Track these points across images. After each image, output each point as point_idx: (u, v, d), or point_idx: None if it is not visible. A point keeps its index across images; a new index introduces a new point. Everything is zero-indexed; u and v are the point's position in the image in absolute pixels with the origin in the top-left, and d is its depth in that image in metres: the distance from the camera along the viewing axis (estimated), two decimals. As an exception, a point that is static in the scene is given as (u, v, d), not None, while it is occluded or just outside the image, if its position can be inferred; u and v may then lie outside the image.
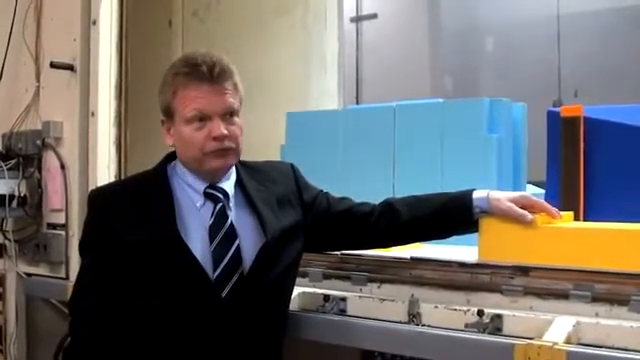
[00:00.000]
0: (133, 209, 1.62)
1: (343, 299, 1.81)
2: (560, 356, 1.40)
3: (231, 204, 1.66)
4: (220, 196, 1.64)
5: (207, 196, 1.64)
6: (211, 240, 1.59)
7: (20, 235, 2.62)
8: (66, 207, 2.48)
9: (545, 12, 4.86)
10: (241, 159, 1.71)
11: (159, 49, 3.12)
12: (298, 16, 3.34)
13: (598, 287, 1.53)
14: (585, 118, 1.93)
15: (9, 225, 2.63)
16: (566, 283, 1.56)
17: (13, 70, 2.67)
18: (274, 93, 3.12)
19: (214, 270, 1.57)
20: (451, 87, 5.31)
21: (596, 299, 1.53)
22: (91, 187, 2.28)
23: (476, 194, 1.66)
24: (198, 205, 1.63)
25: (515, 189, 2.12)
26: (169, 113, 1.62)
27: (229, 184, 1.68)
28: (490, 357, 1.53)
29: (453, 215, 1.68)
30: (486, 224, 1.66)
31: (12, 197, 2.52)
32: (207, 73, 1.57)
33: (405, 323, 1.70)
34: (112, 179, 2.41)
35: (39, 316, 2.65)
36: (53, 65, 2.48)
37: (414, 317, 1.70)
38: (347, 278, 1.87)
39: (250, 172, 1.74)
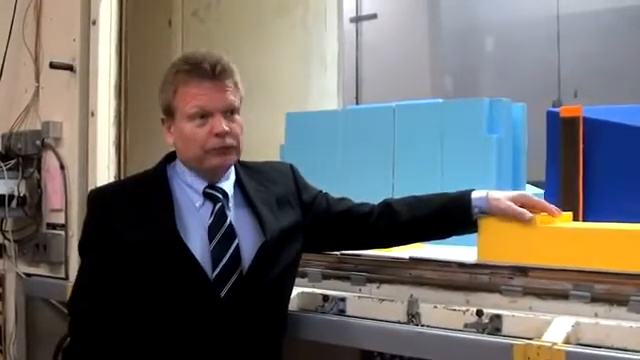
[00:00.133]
0: (133, 209, 1.62)
1: (342, 299, 1.81)
2: (559, 356, 1.40)
3: (230, 204, 1.66)
4: (219, 196, 1.65)
5: (206, 196, 1.64)
6: (210, 240, 1.59)
7: (20, 235, 2.62)
8: (66, 207, 2.48)
9: (545, 12, 4.85)
10: (240, 159, 1.71)
11: (159, 49, 3.11)
12: (298, 16, 3.34)
13: (597, 287, 1.53)
14: (584, 118, 1.93)
15: (9, 225, 2.63)
16: (565, 283, 1.56)
17: (13, 70, 2.67)
18: (274, 93, 3.12)
19: (213, 270, 1.58)
20: (451, 87, 5.31)
21: (595, 299, 1.53)
22: (91, 187, 2.29)
23: (475, 194, 1.67)
24: (197, 205, 1.64)
25: (515, 189, 2.12)
26: (170, 111, 1.62)
27: (228, 184, 1.68)
28: (489, 357, 1.53)
29: (452, 215, 1.68)
30: (485, 224, 1.66)
31: (12, 197, 2.52)
32: (209, 70, 1.58)
33: (404, 323, 1.70)
34: (112, 179, 2.41)
35: (39, 316, 2.65)
36: (53, 65, 2.48)
37: (413, 317, 1.70)
38: (346, 278, 1.87)
39: (249, 172, 1.74)
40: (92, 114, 2.44)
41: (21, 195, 2.54)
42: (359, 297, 1.81)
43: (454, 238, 1.75)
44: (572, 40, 4.71)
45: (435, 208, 1.70)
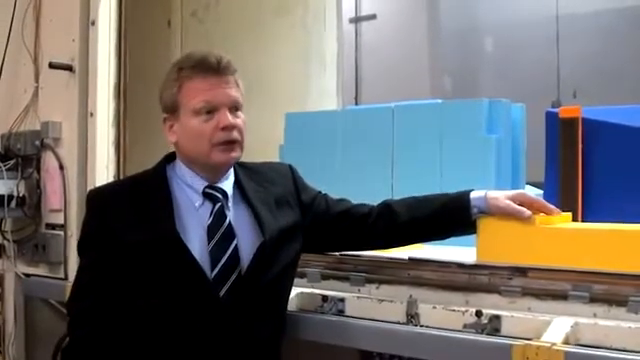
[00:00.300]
0: (132, 209, 1.62)
1: (341, 300, 1.81)
2: (558, 357, 1.40)
3: (229, 204, 1.66)
4: (219, 196, 1.65)
5: (206, 196, 1.64)
6: (209, 240, 1.60)
7: (19, 235, 2.62)
8: (65, 207, 2.48)
9: (544, 13, 4.85)
10: (240, 160, 1.71)
11: (158, 49, 3.12)
12: (297, 16, 3.34)
13: (596, 288, 1.53)
14: (584, 119, 1.93)
15: (8, 225, 2.63)
16: (564, 284, 1.56)
17: (12, 70, 2.67)
18: (273, 93, 3.12)
19: (212, 270, 1.58)
20: (450, 87, 5.31)
21: (594, 300, 1.53)
22: (90, 188, 2.28)
23: (474, 194, 1.67)
24: (197, 205, 1.64)
25: (514, 189, 2.11)
26: (173, 108, 1.62)
27: (228, 184, 1.69)
28: (488, 358, 1.53)
29: (451, 216, 1.69)
30: (484, 225, 1.66)
31: (11, 197, 2.52)
32: (215, 64, 1.59)
33: (403, 324, 1.70)
34: (111, 179, 2.41)
35: (38, 316, 2.65)
36: (52, 65, 2.48)
37: (412, 318, 1.70)
38: (345, 279, 1.87)
39: (248, 173, 1.74)
40: (91, 114, 2.44)
41: (20, 195, 2.54)
42: (358, 297, 1.81)
43: (453, 239, 1.75)
44: (571, 40, 4.72)
45: (434, 209, 1.70)
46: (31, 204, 2.56)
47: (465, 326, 1.61)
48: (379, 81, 5.45)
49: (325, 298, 1.83)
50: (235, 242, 1.61)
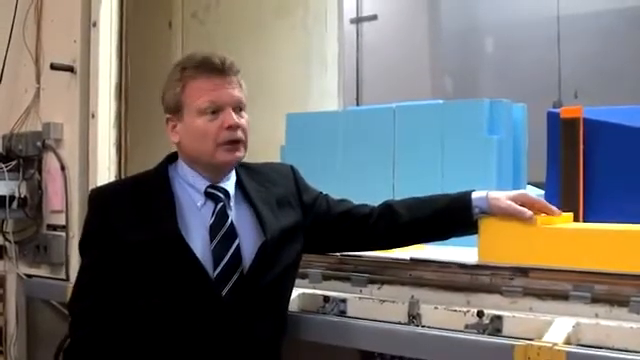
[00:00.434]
0: (134, 208, 1.62)
1: (343, 300, 1.81)
2: (560, 357, 1.40)
3: (231, 204, 1.67)
4: (221, 195, 1.65)
5: (208, 195, 1.65)
6: (211, 239, 1.60)
7: (20, 236, 2.62)
8: (66, 208, 2.48)
9: (545, 13, 4.85)
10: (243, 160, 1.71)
11: (159, 51, 3.12)
12: (298, 17, 3.34)
13: (598, 288, 1.53)
14: (585, 119, 1.93)
15: (9, 226, 2.63)
16: (566, 284, 1.56)
17: (13, 71, 2.67)
18: (274, 94, 3.12)
19: (214, 269, 1.58)
20: (451, 88, 5.31)
21: (596, 300, 1.53)
22: (91, 188, 2.28)
23: (475, 194, 1.67)
24: (199, 205, 1.64)
25: (515, 190, 2.11)
26: (177, 108, 1.62)
27: (230, 184, 1.69)
28: (490, 358, 1.53)
29: (453, 216, 1.69)
30: (486, 225, 1.66)
31: (12, 198, 2.52)
32: (219, 64, 1.60)
33: (405, 324, 1.70)
34: (112, 180, 2.41)
35: (39, 317, 2.65)
36: (53, 67, 2.48)
37: (414, 318, 1.70)
38: (347, 279, 1.87)
39: (250, 173, 1.74)
40: (93, 115, 2.44)
41: (22, 196, 2.54)
42: (360, 298, 1.81)
43: (455, 239, 1.75)
44: (572, 41, 4.72)
45: (436, 209, 1.70)
46: (32, 205, 2.56)
47: (467, 326, 1.61)
48: (380, 81, 5.46)
49: (327, 299, 1.83)
50: (237, 241, 1.61)
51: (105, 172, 2.43)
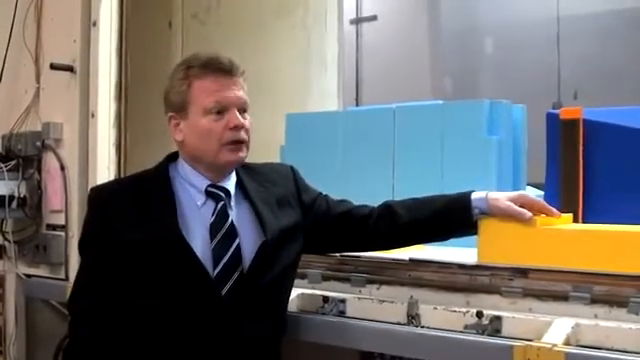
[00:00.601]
0: (134, 207, 1.62)
1: (342, 300, 1.81)
2: (559, 358, 1.40)
3: (232, 203, 1.67)
4: (222, 195, 1.65)
5: (208, 194, 1.65)
6: (212, 238, 1.60)
7: (20, 236, 2.62)
8: (66, 208, 2.48)
9: (545, 14, 4.86)
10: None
11: (159, 51, 3.12)
12: (298, 17, 3.34)
13: (597, 289, 1.53)
14: (584, 120, 1.93)
15: (9, 226, 2.63)
16: (565, 285, 1.56)
17: (13, 71, 2.67)
18: (274, 94, 3.12)
19: (214, 268, 1.58)
20: (451, 88, 5.31)
21: (595, 301, 1.53)
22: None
23: (475, 195, 1.67)
24: (199, 204, 1.64)
25: (515, 190, 2.11)
26: (182, 107, 1.62)
27: (230, 184, 1.69)
28: (489, 359, 1.53)
29: (452, 216, 1.69)
30: (485, 225, 1.66)
31: (12, 198, 2.52)
32: (227, 65, 1.61)
33: (404, 324, 1.70)
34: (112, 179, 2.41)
35: (39, 317, 2.65)
36: (53, 66, 2.48)
37: (413, 318, 1.70)
38: (346, 280, 1.87)
39: (250, 173, 1.74)
40: (92, 115, 2.44)
41: (21, 196, 2.54)
42: (359, 298, 1.81)
43: (454, 239, 1.75)
44: (572, 41, 4.72)
45: (435, 209, 1.70)
46: (32, 205, 2.56)
47: (466, 327, 1.61)
48: (380, 82, 5.46)
49: (326, 299, 1.83)
50: (237, 241, 1.61)
51: (104, 172, 2.43)
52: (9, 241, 2.62)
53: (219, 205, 1.64)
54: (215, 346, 1.58)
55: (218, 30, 3.22)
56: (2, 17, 2.65)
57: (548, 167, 2.00)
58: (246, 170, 1.74)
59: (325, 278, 1.92)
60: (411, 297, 1.73)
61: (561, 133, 1.95)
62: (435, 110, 2.29)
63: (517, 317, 1.57)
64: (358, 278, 1.85)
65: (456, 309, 1.65)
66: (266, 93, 3.00)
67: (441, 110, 2.28)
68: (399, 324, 1.71)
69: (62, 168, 2.50)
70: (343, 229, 1.77)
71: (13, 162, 2.58)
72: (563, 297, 1.56)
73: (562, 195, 1.93)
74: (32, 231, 2.58)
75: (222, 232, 1.61)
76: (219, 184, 1.66)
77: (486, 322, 1.59)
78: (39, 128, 2.56)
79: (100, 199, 1.67)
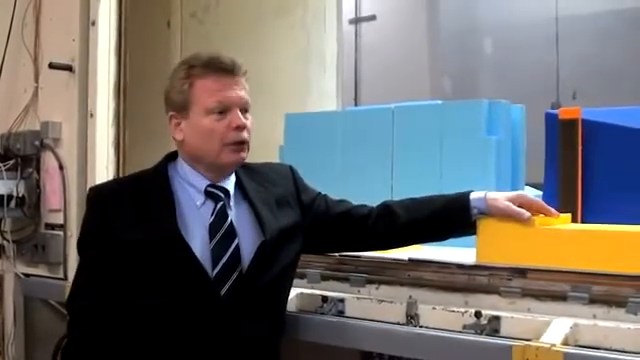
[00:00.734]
0: (133, 207, 1.62)
1: (341, 300, 1.81)
2: (558, 358, 1.40)
3: (231, 203, 1.67)
4: (221, 195, 1.65)
5: (208, 194, 1.65)
6: (211, 238, 1.60)
7: (18, 235, 2.62)
8: (64, 207, 2.48)
9: (544, 14, 4.87)
10: (244, 161, 1.72)
11: (158, 50, 3.12)
12: (297, 17, 3.34)
13: (596, 289, 1.53)
14: (583, 120, 1.93)
15: (7, 225, 2.63)
16: (564, 285, 1.56)
17: (12, 70, 2.67)
18: (273, 94, 3.12)
19: (213, 268, 1.58)
20: (450, 88, 5.32)
21: (594, 301, 1.53)
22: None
23: (473, 195, 1.67)
24: (198, 204, 1.64)
25: (514, 190, 2.11)
26: (183, 106, 1.62)
27: (230, 184, 1.69)
28: (488, 358, 1.53)
29: (451, 216, 1.69)
30: (484, 225, 1.67)
31: (10, 197, 2.51)
32: (229, 65, 1.61)
33: (403, 324, 1.70)
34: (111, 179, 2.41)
35: (37, 317, 2.65)
36: (52, 66, 2.48)
37: (412, 318, 1.70)
38: (345, 279, 1.87)
39: (249, 173, 1.74)
40: (91, 115, 2.44)
41: (20, 195, 2.54)
42: (358, 298, 1.81)
43: (453, 239, 1.75)
44: (571, 42, 4.73)
45: (434, 209, 1.70)
46: (30, 204, 2.56)
47: (465, 327, 1.61)
48: (379, 82, 5.46)
49: (325, 299, 1.83)
50: (237, 241, 1.61)
51: (103, 171, 2.43)
52: (8, 240, 2.62)
53: (218, 205, 1.63)
54: (214, 346, 1.58)
55: (217, 29, 3.22)
56: (1, 16, 2.65)
57: (547, 167, 2.00)
58: (245, 170, 1.74)
59: (324, 278, 1.92)
60: (410, 297, 1.73)
61: (560, 133, 1.95)
62: (434, 110, 2.29)
63: (516, 317, 1.57)
64: (357, 278, 1.85)
65: (455, 309, 1.65)
66: (265, 93, 3.00)
67: (440, 110, 2.28)
68: (398, 324, 1.71)
69: (61, 167, 2.49)
70: (342, 229, 1.77)
71: (12, 161, 2.58)
72: (562, 297, 1.56)
73: (561, 195, 1.93)
74: (31, 230, 2.58)
75: (221, 232, 1.60)
76: (218, 184, 1.66)
77: (485, 322, 1.59)
78: (38, 127, 2.56)
79: (99, 199, 1.67)
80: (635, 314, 1.47)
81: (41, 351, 2.60)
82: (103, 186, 1.83)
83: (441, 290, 1.72)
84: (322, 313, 1.82)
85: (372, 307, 1.76)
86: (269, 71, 3.15)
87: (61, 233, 2.48)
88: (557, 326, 1.49)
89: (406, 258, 1.81)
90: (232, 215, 1.64)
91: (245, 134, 1.61)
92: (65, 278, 2.45)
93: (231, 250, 1.59)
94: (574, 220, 1.83)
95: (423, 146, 2.24)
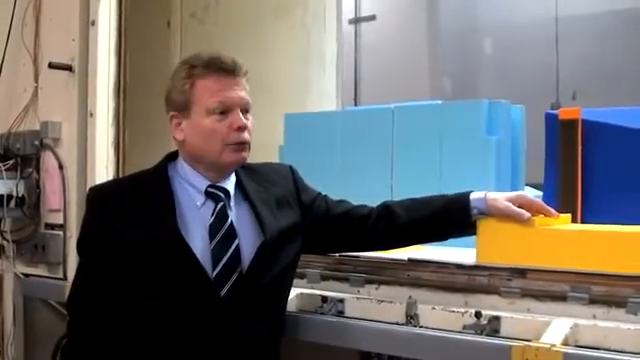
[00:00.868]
0: (133, 207, 1.62)
1: (341, 300, 1.81)
2: (557, 358, 1.40)
3: (231, 204, 1.67)
4: (221, 195, 1.65)
5: (208, 195, 1.65)
6: (211, 239, 1.60)
7: (18, 235, 2.61)
8: (64, 207, 2.47)
9: (543, 14, 4.87)
10: (244, 161, 1.71)
11: (158, 50, 3.12)
12: (297, 17, 3.34)
13: (595, 289, 1.53)
14: (583, 120, 1.93)
15: (7, 225, 2.63)
16: (563, 285, 1.56)
17: (12, 70, 2.67)
18: (273, 94, 3.11)
19: (213, 269, 1.58)
20: (450, 89, 5.32)
21: (593, 301, 1.53)
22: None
23: (473, 195, 1.67)
24: (198, 204, 1.64)
25: (513, 191, 2.11)
26: (184, 106, 1.62)
27: (230, 184, 1.69)
28: (487, 359, 1.53)
29: (451, 217, 1.69)
30: (484, 226, 1.67)
31: (10, 197, 2.51)
32: (231, 65, 1.61)
33: (403, 325, 1.70)
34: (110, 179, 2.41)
35: (37, 317, 2.65)
36: (52, 65, 2.48)
37: (412, 319, 1.70)
38: (345, 279, 1.87)
39: (249, 173, 1.74)
40: (91, 114, 2.44)
41: (19, 195, 2.54)
42: (358, 298, 1.81)
43: (453, 240, 1.75)
44: (571, 42, 4.73)
45: (434, 210, 1.70)
46: (30, 204, 2.56)
47: (464, 327, 1.61)
48: (378, 82, 5.46)
49: (325, 299, 1.83)
50: (237, 241, 1.61)
51: (103, 171, 2.43)
52: (7, 240, 2.62)
53: (218, 205, 1.63)
54: (214, 347, 1.58)
55: (216, 29, 3.22)
56: (1, 16, 2.65)
57: (547, 167, 2.00)
58: (245, 170, 1.74)
59: (324, 278, 1.92)
60: (410, 297, 1.73)
61: (560, 133, 1.95)
62: (434, 110, 2.29)
63: (515, 317, 1.57)
64: (357, 278, 1.85)
65: (455, 309, 1.65)
66: (265, 93, 2.99)
67: (440, 110, 2.28)
68: (398, 324, 1.71)
69: (60, 167, 2.49)
70: (342, 229, 1.77)
71: (11, 161, 2.58)
72: (561, 297, 1.57)
73: (561, 195, 1.93)
74: (30, 230, 2.58)
75: (221, 233, 1.60)
76: (219, 184, 1.66)
77: (484, 322, 1.59)
78: (37, 127, 2.56)
79: (99, 199, 1.67)
80: (635, 314, 1.47)
81: (41, 351, 2.60)
82: (103, 186, 1.83)
83: (441, 290, 1.72)
84: (322, 313, 1.82)
85: (372, 307, 1.76)
86: (269, 71, 3.14)
87: (61, 233, 2.48)
88: (557, 326, 1.49)
89: (406, 258, 1.81)
90: (232, 215, 1.64)
91: (246, 135, 1.62)
92: (65, 278, 2.45)
93: (231, 250, 1.59)
94: (574, 220, 1.83)
95: (423, 146, 2.24)
